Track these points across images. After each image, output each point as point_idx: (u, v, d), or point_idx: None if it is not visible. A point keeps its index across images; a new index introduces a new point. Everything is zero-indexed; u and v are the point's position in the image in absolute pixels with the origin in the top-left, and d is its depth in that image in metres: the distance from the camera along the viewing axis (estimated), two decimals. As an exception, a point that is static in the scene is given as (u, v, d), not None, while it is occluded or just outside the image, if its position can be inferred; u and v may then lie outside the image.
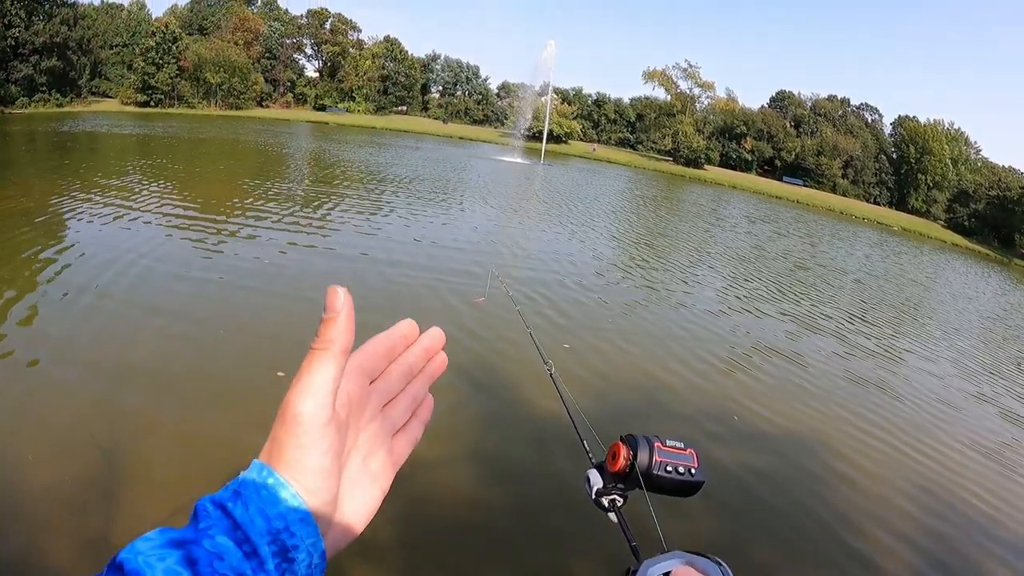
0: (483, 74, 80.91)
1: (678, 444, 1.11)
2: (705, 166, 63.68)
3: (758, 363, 8.83)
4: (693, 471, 1.09)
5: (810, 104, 76.03)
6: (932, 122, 68.60)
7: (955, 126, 68.75)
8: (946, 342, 13.40)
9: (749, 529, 5.01)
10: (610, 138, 78.46)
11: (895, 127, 73.22)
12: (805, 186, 64.33)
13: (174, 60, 51.53)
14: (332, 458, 0.44)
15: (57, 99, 43.73)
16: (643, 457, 1.08)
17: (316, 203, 15.37)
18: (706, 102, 66.60)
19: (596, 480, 1.19)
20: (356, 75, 66.33)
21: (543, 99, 55.59)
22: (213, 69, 53.56)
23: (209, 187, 16.65)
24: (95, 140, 27.56)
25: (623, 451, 1.12)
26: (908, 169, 68.15)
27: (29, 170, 17.49)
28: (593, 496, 1.20)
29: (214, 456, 4.75)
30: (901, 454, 6.89)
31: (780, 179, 67.31)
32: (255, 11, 66.07)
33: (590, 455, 1.51)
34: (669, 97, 65.20)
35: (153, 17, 59.66)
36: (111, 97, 53.39)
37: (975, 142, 70.29)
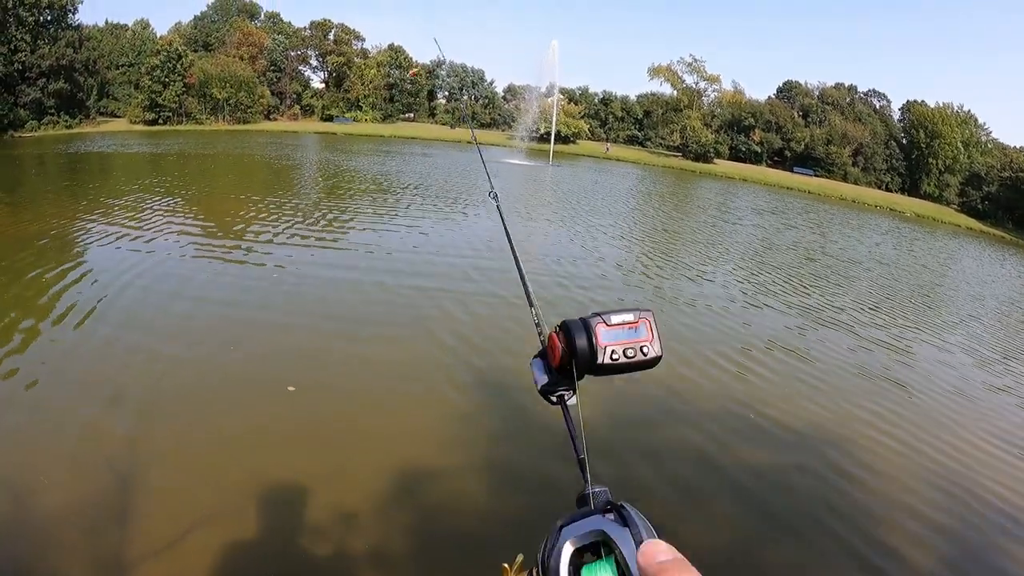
0: (488, 77, 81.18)
1: (626, 317, 0.90)
2: (715, 160, 63.15)
3: (766, 359, 8.75)
4: (646, 349, 0.89)
5: (817, 93, 75.39)
6: (941, 106, 67.61)
7: (964, 108, 67.70)
8: (962, 328, 13.18)
9: (766, 530, 4.95)
10: (618, 136, 78.04)
11: (904, 112, 72.33)
12: (816, 176, 63.62)
13: (180, 77, 52.10)
14: None
15: (66, 121, 44.28)
16: (583, 346, 0.88)
17: (331, 215, 15.47)
18: (713, 96, 66.27)
19: (540, 375, 0.98)
20: (362, 84, 66.70)
21: (549, 100, 55.54)
22: (219, 84, 54.11)
23: (219, 203, 16.81)
24: (104, 160, 27.92)
25: (559, 344, 0.91)
26: (919, 154, 67.25)
27: (39, 192, 17.74)
28: (539, 390, 0.99)
29: (227, 476, 4.79)
30: (916, 452, 6.78)
31: (791, 170, 66.52)
32: (259, 25, 66.63)
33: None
34: (675, 92, 64.76)
35: (157, 36, 60.30)
36: (119, 117, 54.03)
37: (984, 124, 69.24)
